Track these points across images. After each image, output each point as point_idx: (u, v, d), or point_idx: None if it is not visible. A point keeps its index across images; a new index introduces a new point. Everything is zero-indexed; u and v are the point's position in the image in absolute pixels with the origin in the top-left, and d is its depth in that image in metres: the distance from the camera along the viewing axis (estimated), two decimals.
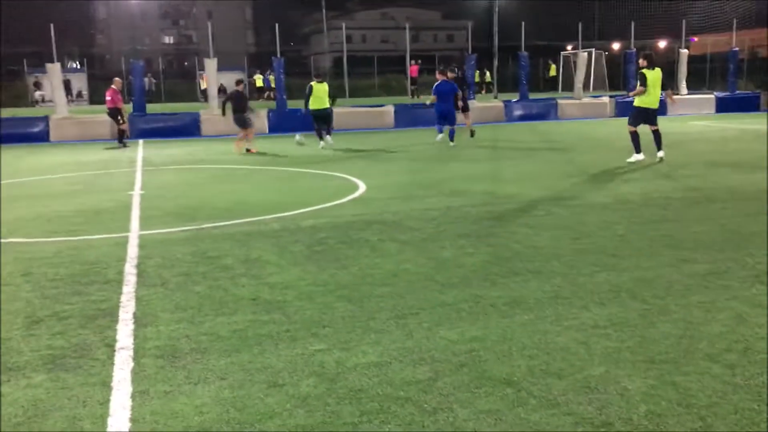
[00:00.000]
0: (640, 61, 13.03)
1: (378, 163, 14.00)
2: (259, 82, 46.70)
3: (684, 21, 29.36)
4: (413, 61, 34.49)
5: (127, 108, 21.95)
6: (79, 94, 48.29)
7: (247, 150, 16.33)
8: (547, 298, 5.01)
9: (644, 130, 12.76)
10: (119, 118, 19.56)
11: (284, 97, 24.11)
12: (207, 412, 3.42)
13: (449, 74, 17.72)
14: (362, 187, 10.50)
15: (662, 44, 41.89)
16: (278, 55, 23.98)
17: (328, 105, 17.91)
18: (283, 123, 23.06)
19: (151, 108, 23.82)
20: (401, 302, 5.01)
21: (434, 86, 17.27)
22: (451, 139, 17.08)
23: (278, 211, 8.61)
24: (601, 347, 4.09)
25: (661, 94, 12.94)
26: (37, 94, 44.93)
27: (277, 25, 24.40)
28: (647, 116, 12.77)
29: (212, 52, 24.08)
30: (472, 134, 18.52)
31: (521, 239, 6.82)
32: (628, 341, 4.17)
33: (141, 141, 20.59)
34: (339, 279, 5.63)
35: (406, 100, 33.81)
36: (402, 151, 16.17)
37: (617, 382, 3.62)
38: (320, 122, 17.85)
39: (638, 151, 12.73)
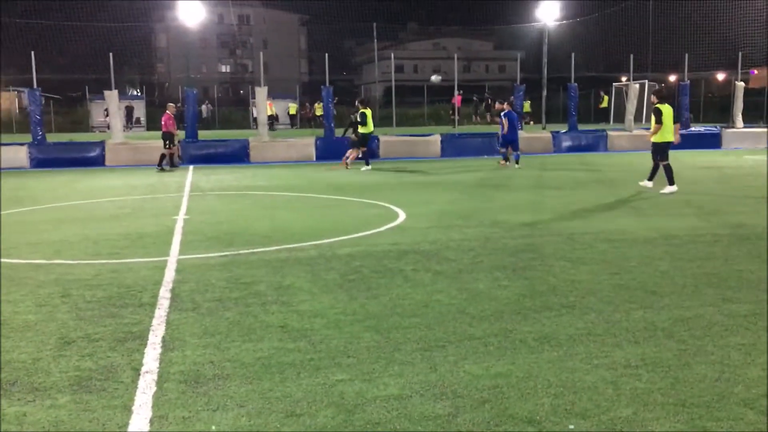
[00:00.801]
0: (652, 97, 13.57)
1: (420, 192, 13.98)
2: (319, 110, 47.49)
3: (741, 53, 28.70)
4: (460, 92, 34.55)
5: (180, 134, 22.58)
6: (138, 121, 49.76)
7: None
8: (579, 335, 4.87)
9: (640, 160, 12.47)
10: (167, 142, 20.27)
11: (332, 125, 24.39)
12: None
13: (501, 105, 19.33)
14: (402, 215, 10.48)
15: (720, 76, 41.04)
16: (327, 84, 24.33)
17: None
18: (329, 150, 23.32)
19: (205, 135, 24.38)
20: (429, 334, 4.95)
21: (504, 114, 19.23)
22: (517, 162, 19.18)
23: (316, 238, 8.66)
24: (630, 388, 3.94)
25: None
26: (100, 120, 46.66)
27: (327, 54, 24.75)
28: (666, 150, 13.10)
29: (263, 80, 24.58)
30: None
31: (558, 273, 6.68)
32: (659, 382, 4.01)
33: (191, 167, 21.06)
34: (369, 308, 5.59)
35: (453, 129, 33.79)
36: (445, 181, 16.14)
37: (644, 426, 3.48)
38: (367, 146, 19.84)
39: (672, 183, 12.89)
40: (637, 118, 31.82)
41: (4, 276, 6.85)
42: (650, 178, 13.42)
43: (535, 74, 40.58)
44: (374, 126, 20.22)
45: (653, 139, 13.23)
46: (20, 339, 4.92)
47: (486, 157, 22.81)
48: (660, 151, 13.18)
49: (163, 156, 20.38)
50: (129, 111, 50.27)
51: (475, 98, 45.85)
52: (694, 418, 3.55)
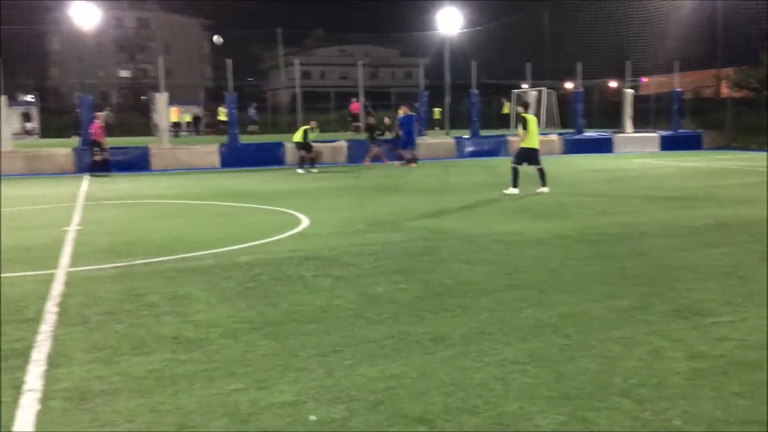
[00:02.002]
0: (519, 108, 14.78)
1: (324, 198, 13.99)
2: (222, 116, 46.65)
3: (628, 62, 30.30)
4: (354, 98, 34.89)
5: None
6: (28, 129, 47.33)
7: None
8: (472, 334, 5.01)
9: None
10: (95, 149, 20.35)
11: (236, 131, 24.02)
12: None
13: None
14: (305, 222, 10.46)
15: (612, 84, 43.08)
16: (231, 90, 23.97)
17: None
18: (234, 157, 23.02)
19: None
20: (326, 339, 4.96)
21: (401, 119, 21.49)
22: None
23: (215, 246, 8.51)
24: (518, 383, 4.10)
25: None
26: (29, 125, 44.49)
27: (229, 60, 24.38)
28: (531, 156, 13.99)
29: (163, 85, 23.95)
30: None
31: (455, 275, 6.85)
32: (545, 377, 4.19)
33: (87, 175, 20.23)
34: (267, 316, 5.56)
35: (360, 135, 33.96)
36: (350, 186, 16.21)
37: (529, 419, 3.62)
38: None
39: (515, 186, 13.76)
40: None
41: None
42: (515, 186, 13.83)
43: (438, 81, 41.37)
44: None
45: (522, 145, 14.08)
46: None
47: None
48: (528, 156, 14.02)
49: (95, 162, 20.33)
50: (26, 117, 47.80)
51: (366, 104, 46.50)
52: (576, 409, 3.72)
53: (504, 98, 47.39)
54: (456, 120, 41.08)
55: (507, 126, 42.52)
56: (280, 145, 24.24)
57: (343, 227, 9.95)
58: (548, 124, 40.80)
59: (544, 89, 39.80)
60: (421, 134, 27.35)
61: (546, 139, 28.48)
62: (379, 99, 47.18)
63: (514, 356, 4.54)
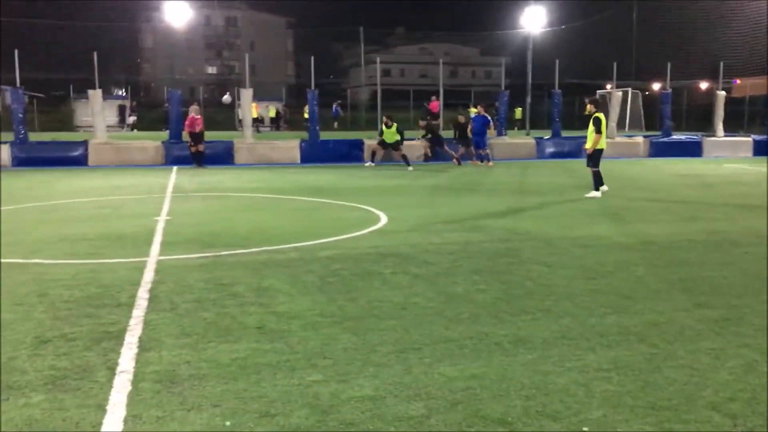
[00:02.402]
0: (589, 106, 14.01)
1: (402, 195, 14.04)
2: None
3: (722, 63, 29.05)
4: (434, 97, 34.80)
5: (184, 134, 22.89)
6: (122, 121, 49.53)
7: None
8: (554, 338, 4.93)
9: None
10: (193, 141, 21.26)
11: (317, 128, 24.38)
12: None
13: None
14: (383, 219, 10.53)
15: (703, 85, 41.48)
16: (313, 87, 24.35)
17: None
18: (314, 153, 23.42)
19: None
20: (405, 336, 4.99)
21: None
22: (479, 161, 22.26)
23: (297, 240, 8.68)
24: (601, 390, 4.01)
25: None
26: (132, 119, 46.76)
27: (312, 57, 24.80)
28: (598, 158, 13.64)
29: (248, 82, 24.57)
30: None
31: (536, 277, 6.75)
32: (629, 385, 4.08)
33: (175, 168, 20.98)
34: (347, 310, 5.63)
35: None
36: (427, 185, 16.21)
37: (613, 427, 3.54)
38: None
39: (600, 187, 13.58)
40: (620, 125, 32.12)
41: None
42: (600, 183, 13.64)
43: (520, 80, 40.87)
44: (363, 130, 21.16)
45: (598, 146, 13.52)
46: None
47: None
48: (598, 157, 13.64)
49: (193, 154, 21.27)
50: (122, 110, 50.07)
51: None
52: (662, 421, 3.61)
53: (587, 98, 46.32)
54: (537, 120, 40.47)
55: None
56: (359, 142, 24.46)
57: (421, 225, 9.97)
58: (632, 126, 39.65)
59: (629, 90, 38.67)
60: (501, 134, 27.08)
61: (631, 141, 27.70)
62: (459, 98, 46.88)
63: (597, 363, 4.44)
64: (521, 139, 28.15)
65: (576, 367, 4.38)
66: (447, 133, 25.43)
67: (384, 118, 22.20)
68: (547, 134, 28.21)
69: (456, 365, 4.41)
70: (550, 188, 15.29)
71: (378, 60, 30.59)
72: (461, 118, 23.40)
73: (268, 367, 4.37)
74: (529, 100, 34.57)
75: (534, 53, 34.03)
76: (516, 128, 41.09)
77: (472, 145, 22.50)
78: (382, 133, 22.14)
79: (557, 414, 3.70)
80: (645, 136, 28.54)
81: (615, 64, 28.83)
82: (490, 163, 22.12)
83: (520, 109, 43.26)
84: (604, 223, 10.35)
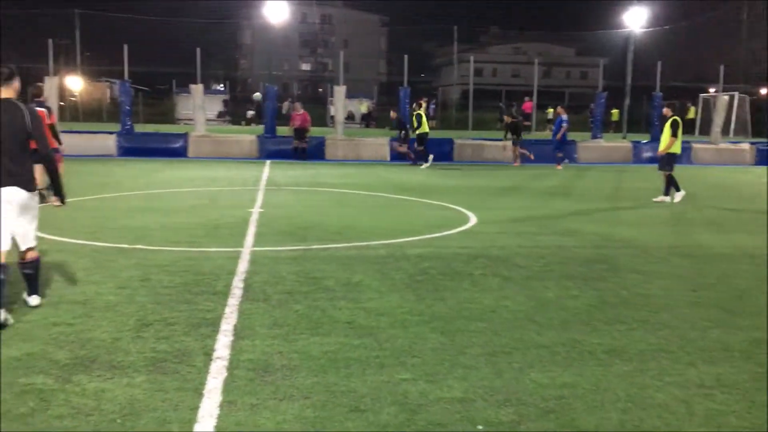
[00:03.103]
0: (665, 110, 14.06)
1: (492, 196, 13.87)
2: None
3: None
4: (527, 98, 34.19)
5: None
6: (220, 114, 51.11)
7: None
8: (651, 351, 4.74)
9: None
10: (299, 137, 22.30)
11: (407, 126, 24.39)
12: (288, 428, 3.50)
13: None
14: (473, 219, 10.43)
15: None
16: (405, 85, 24.42)
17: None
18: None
19: (283, 131, 24.83)
20: (495, 339, 4.92)
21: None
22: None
23: (386, 237, 8.72)
24: (703, 408, 3.82)
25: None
26: (250, 113, 48.21)
27: (405, 56, 24.87)
28: (672, 162, 13.57)
29: (342, 79, 24.89)
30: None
31: (631, 286, 6.52)
32: (734, 405, 3.87)
33: (268, 161, 21.52)
34: (435, 310, 5.61)
35: (530, 135, 33.34)
36: (516, 186, 15.96)
37: None
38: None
39: (678, 189, 13.41)
40: (724, 131, 30.61)
41: (90, 258, 7.19)
42: (677, 188, 13.43)
43: (618, 82, 39.60)
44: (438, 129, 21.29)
45: (672, 149, 13.41)
46: (101, 318, 5.17)
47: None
48: (672, 161, 13.51)
49: (296, 149, 22.22)
50: (225, 104, 51.74)
51: (501, 105, 45.87)
52: None
53: (689, 102, 44.44)
54: (634, 123, 39.10)
55: (692, 131, 39.89)
56: (449, 141, 24.36)
57: (511, 227, 9.82)
58: (738, 132, 37.72)
59: (735, 94, 36.79)
60: (596, 137, 26.35)
61: (736, 148, 26.37)
62: (553, 99, 45.92)
63: (699, 379, 4.24)
64: (617, 143, 27.28)
65: (676, 382, 4.19)
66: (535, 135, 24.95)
67: (414, 105, 22.19)
68: (644, 138, 27.23)
69: (547, 372, 4.31)
70: (646, 194, 14.74)
71: (472, 59, 30.36)
72: (508, 119, 23.57)
73: (358, 363, 4.40)
74: (627, 102, 33.39)
75: (634, 54, 32.85)
76: (611, 131, 39.82)
77: (555, 147, 22.05)
78: (418, 126, 21.25)
79: (656, 430, 3.56)
80: (752, 143, 27.10)
81: (722, 68, 27.50)
82: (559, 167, 21.42)
83: (617, 111, 41.91)
84: (703, 232, 9.89)
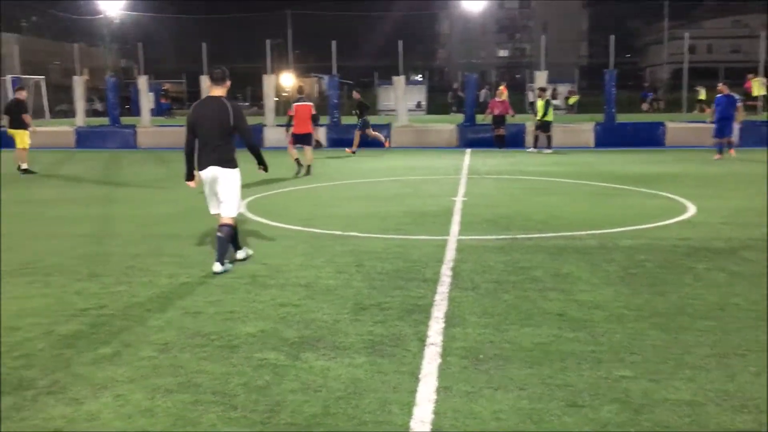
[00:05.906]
0: None
1: (711, 183, 12.78)
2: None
3: None
4: (750, 75, 30.81)
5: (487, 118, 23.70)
6: (419, 105, 52.20)
7: None
8: None
9: None
10: (497, 125, 22.14)
11: (613, 110, 23.25)
12: (504, 419, 3.49)
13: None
14: (692, 209, 9.69)
15: None
16: (611, 67, 23.25)
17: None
18: (610, 137, 22.44)
19: (479, 118, 24.76)
20: (725, 339, 4.54)
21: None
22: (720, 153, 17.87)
23: (594, 227, 8.38)
24: None
25: None
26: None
27: (611, 37, 23.65)
28: None
29: (543, 64, 24.28)
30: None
31: None
32: None
33: (468, 150, 21.60)
34: (654, 305, 5.29)
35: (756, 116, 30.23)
36: (737, 172, 14.55)
37: None
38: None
39: None
40: None
41: (308, 243, 7.69)
42: None
43: None
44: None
45: None
46: (323, 301, 5.51)
47: None
48: None
49: (496, 137, 22.16)
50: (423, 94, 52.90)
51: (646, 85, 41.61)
52: None
53: None
54: None
55: None
56: (659, 125, 22.84)
57: (736, 218, 8.99)
58: None
59: None
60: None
61: None
62: None
63: None
64: None
65: None
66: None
67: (538, 91, 21.46)
68: None
69: None
70: None
71: (686, 35, 28.19)
72: (356, 95, 22.56)
73: (573, 356, 4.28)
74: None
75: None
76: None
77: (714, 131, 18.20)
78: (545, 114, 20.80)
79: None
80: None
81: None
82: (732, 152, 18.10)
83: None
84: None
